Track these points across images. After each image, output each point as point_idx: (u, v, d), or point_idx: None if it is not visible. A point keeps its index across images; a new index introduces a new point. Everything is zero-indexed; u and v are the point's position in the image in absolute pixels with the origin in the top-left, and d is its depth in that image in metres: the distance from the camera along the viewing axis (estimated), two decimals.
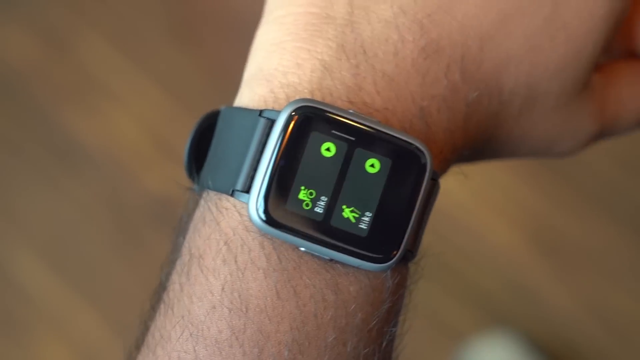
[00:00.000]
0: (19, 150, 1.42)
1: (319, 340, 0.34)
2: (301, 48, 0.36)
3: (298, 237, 0.34)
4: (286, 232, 0.34)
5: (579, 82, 0.40)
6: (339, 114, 0.34)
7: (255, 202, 0.34)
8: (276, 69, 0.36)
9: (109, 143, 1.41)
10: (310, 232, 0.34)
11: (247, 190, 0.35)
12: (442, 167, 0.38)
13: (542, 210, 1.35)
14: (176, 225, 0.39)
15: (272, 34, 0.38)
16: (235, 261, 0.34)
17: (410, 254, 0.36)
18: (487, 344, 1.25)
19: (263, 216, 0.34)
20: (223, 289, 0.34)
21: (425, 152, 0.35)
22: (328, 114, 0.34)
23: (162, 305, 0.37)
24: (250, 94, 0.37)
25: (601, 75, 0.42)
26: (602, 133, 0.43)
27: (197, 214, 0.37)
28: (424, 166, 0.35)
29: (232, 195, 0.35)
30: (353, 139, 0.34)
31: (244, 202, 0.35)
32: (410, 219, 0.35)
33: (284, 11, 0.38)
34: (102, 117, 1.43)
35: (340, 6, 0.37)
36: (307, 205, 0.34)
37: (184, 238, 0.37)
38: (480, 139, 0.39)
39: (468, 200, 1.34)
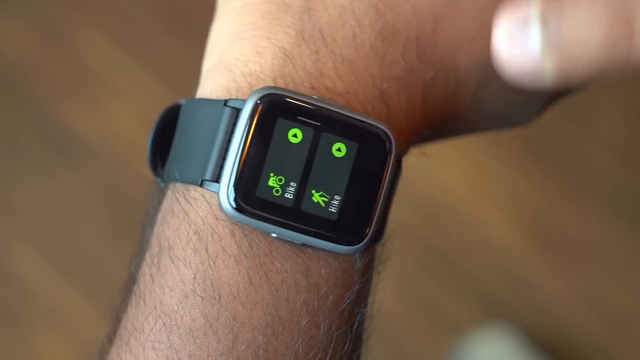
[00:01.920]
0: (17, 143, 1.40)
1: (293, 324, 0.35)
2: (260, 37, 0.37)
3: (269, 223, 0.34)
4: (257, 219, 0.34)
5: None
6: (304, 100, 0.35)
7: (226, 191, 0.34)
8: (237, 59, 0.37)
9: (107, 137, 1.40)
10: (282, 218, 0.34)
11: (217, 179, 0.35)
12: (403, 148, 0.38)
13: (540, 204, 1.35)
14: (143, 219, 0.39)
15: (230, 25, 0.38)
16: (206, 250, 0.35)
17: (378, 235, 0.37)
18: (484, 337, 1.25)
19: (234, 204, 0.34)
20: (195, 277, 0.35)
21: (390, 134, 0.35)
22: (293, 101, 0.35)
23: (133, 297, 0.37)
24: (212, 84, 0.37)
25: None
26: (557, 94, 0.44)
27: (165, 205, 0.37)
28: (389, 149, 0.35)
29: (201, 185, 0.35)
30: (319, 124, 0.35)
31: (213, 191, 0.35)
32: (378, 201, 0.35)
33: (239, 2, 0.38)
34: (101, 110, 1.41)
35: None
36: (277, 191, 0.35)
37: (152, 230, 0.37)
38: (438, 118, 0.39)
39: (466, 193, 1.34)
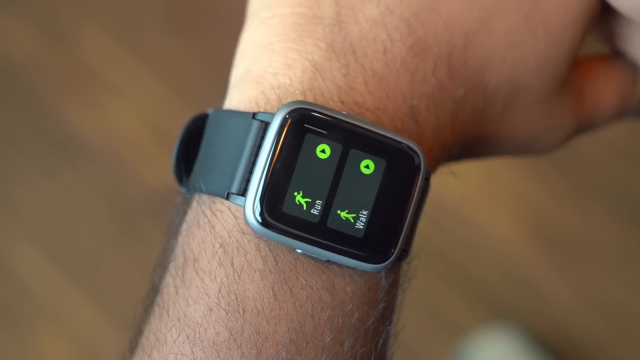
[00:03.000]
0: (19, 143, 1.41)
1: (317, 340, 0.35)
2: (290, 49, 0.36)
3: (295, 239, 0.34)
4: (283, 235, 0.34)
5: (559, 77, 0.40)
6: (334, 115, 0.34)
7: (251, 205, 0.34)
8: (265, 70, 0.36)
9: (108, 136, 1.40)
10: (307, 234, 0.34)
11: (243, 193, 0.35)
12: (432, 166, 0.38)
13: (544, 204, 1.35)
14: (167, 229, 0.38)
15: (259, 35, 0.38)
16: (232, 263, 0.35)
17: (404, 253, 0.36)
18: (488, 337, 1.25)
19: (259, 219, 0.34)
20: (220, 291, 0.34)
21: (419, 152, 0.35)
22: (322, 116, 0.34)
23: (156, 308, 0.37)
24: (241, 96, 0.37)
25: (576, 71, 0.42)
26: (580, 128, 0.44)
27: (190, 216, 0.37)
28: (417, 166, 0.35)
29: (227, 198, 0.35)
30: (348, 140, 0.34)
31: (239, 204, 0.35)
32: (405, 219, 0.35)
33: (269, 12, 0.38)
34: (102, 109, 1.42)
35: (327, 6, 0.37)
36: (303, 207, 0.34)
37: (177, 241, 0.37)
38: (467, 137, 0.39)
39: (470, 194, 1.34)
